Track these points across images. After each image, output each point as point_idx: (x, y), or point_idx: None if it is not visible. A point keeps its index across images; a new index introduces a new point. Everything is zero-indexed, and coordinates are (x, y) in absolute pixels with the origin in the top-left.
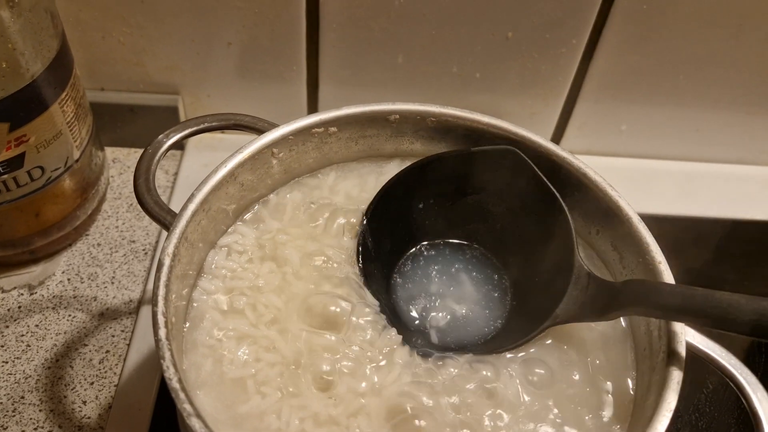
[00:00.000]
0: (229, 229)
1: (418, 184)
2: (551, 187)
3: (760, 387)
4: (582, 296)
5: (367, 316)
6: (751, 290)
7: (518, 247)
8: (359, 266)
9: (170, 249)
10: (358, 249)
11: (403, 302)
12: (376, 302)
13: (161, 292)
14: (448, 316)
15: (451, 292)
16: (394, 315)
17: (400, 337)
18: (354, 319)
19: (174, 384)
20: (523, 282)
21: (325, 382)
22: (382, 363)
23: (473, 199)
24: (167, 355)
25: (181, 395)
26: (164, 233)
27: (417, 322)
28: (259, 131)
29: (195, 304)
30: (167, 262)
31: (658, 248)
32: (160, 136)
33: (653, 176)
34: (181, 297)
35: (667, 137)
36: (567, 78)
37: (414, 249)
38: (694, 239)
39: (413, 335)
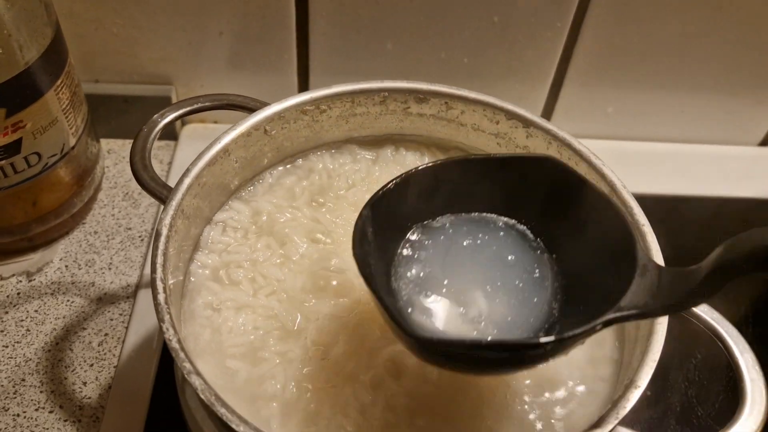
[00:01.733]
0: (224, 206)
1: (435, 186)
2: (595, 186)
3: (741, 339)
4: (651, 286)
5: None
6: None
7: (564, 237)
8: (357, 255)
9: (167, 220)
10: (355, 237)
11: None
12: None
13: (159, 260)
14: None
15: (473, 281)
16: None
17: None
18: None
19: (174, 344)
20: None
21: (323, 349)
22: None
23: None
24: (166, 317)
25: (181, 354)
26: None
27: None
28: (251, 110)
29: (192, 278)
30: (164, 231)
31: (642, 211)
32: (155, 116)
33: (640, 158)
34: (179, 270)
35: (653, 119)
36: (552, 61)
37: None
38: (681, 218)
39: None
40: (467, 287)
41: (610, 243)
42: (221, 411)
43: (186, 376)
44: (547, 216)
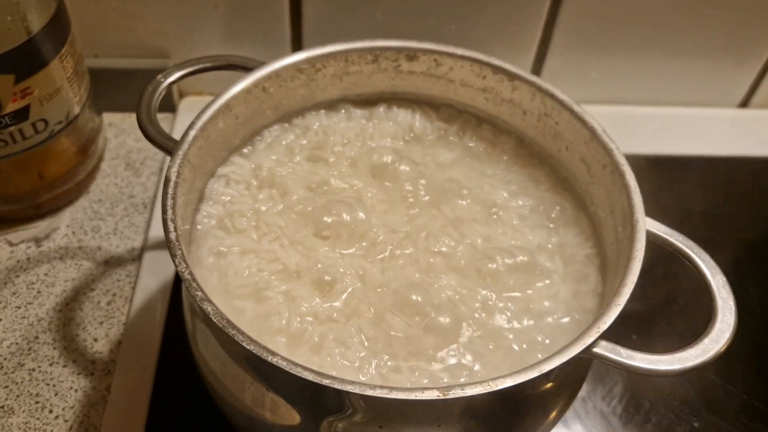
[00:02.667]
0: (227, 162)
1: None
2: None
3: (712, 263)
4: None
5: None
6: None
7: None
8: None
9: (175, 168)
10: None
11: None
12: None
13: (169, 202)
14: None
15: None
16: None
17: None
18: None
19: (187, 276)
20: None
21: (325, 285)
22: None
23: None
24: (179, 252)
25: (194, 284)
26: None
27: None
28: (251, 70)
29: (199, 227)
30: (173, 177)
31: (621, 153)
32: (159, 76)
33: (624, 121)
34: (186, 219)
35: (635, 83)
36: (537, 26)
37: None
38: (667, 178)
39: None
40: None
41: None
42: (232, 332)
43: (199, 303)
44: None
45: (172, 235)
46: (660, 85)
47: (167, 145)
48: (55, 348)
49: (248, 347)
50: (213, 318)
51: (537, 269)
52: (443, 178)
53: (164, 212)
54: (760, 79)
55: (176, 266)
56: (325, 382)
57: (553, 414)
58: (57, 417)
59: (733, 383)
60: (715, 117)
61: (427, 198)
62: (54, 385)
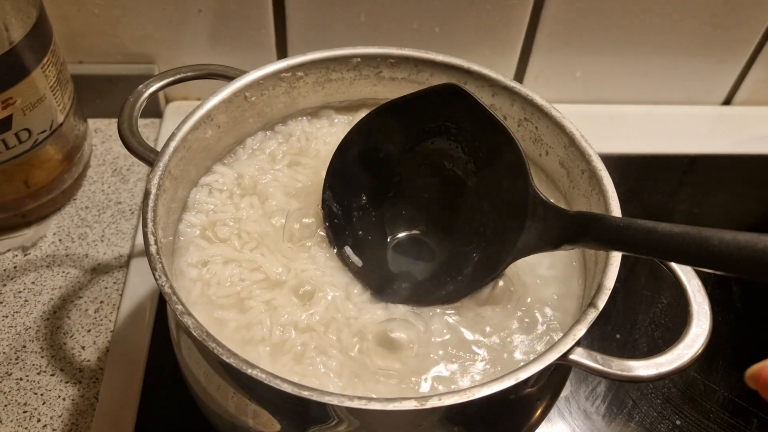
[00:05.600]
0: (209, 171)
1: (371, 139)
2: (495, 115)
3: (689, 269)
4: (540, 225)
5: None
6: (706, 217)
7: (477, 194)
8: (326, 228)
9: (155, 180)
10: (324, 211)
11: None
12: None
13: (150, 215)
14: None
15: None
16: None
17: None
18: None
19: (167, 290)
20: (483, 229)
21: (305, 295)
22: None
23: (429, 146)
24: (159, 266)
25: (174, 298)
26: None
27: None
28: (232, 79)
29: (181, 237)
30: (153, 190)
31: (599, 158)
32: (140, 87)
33: (608, 120)
34: (169, 229)
35: (619, 82)
36: (521, 28)
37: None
38: (653, 176)
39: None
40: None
41: (512, 185)
42: (212, 346)
43: (179, 317)
44: (463, 152)
45: (153, 249)
46: (643, 83)
47: (148, 157)
48: (42, 357)
49: (228, 360)
50: (193, 332)
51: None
52: None
53: (144, 225)
54: (742, 77)
55: (156, 280)
56: (304, 394)
57: (536, 415)
58: (45, 426)
59: (715, 381)
60: (699, 115)
61: None
62: (42, 394)
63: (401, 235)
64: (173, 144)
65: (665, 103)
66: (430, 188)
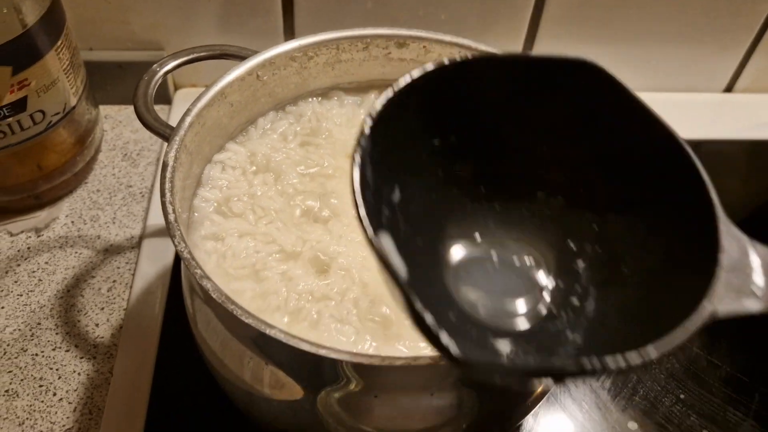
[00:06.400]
0: (222, 149)
1: (447, 99)
2: (657, 116)
3: None
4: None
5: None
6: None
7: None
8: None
9: (172, 153)
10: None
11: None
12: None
13: (167, 185)
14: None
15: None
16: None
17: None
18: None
19: (186, 255)
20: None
21: (322, 265)
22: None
23: (532, 136)
24: (178, 233)
25: (193, 263)
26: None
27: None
28: (244, 59)
29: (196, 213)
30: (171, 162)
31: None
32: (154, 66)
33: None
34: (184, 203)
35: (622, 70)
36: (525, 15)
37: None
38: None
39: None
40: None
41: (670, 201)
42: (231, 307)
43: (199, 281)
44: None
45: (171, 217)
46: (645, 71)
47: (164, 132)
48: (57, 333)
49: (247, 321)
50: (212, 294)
51: None
52: None
53: (162, 195)
54: (743, 65)
55: (176, 246)
56: (321, 352)
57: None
58: (61, 399)
59: (718, 357)
60: (701, 102)
61: None
62: (57, 369)
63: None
64: (189, 119)
65: (667, 90)
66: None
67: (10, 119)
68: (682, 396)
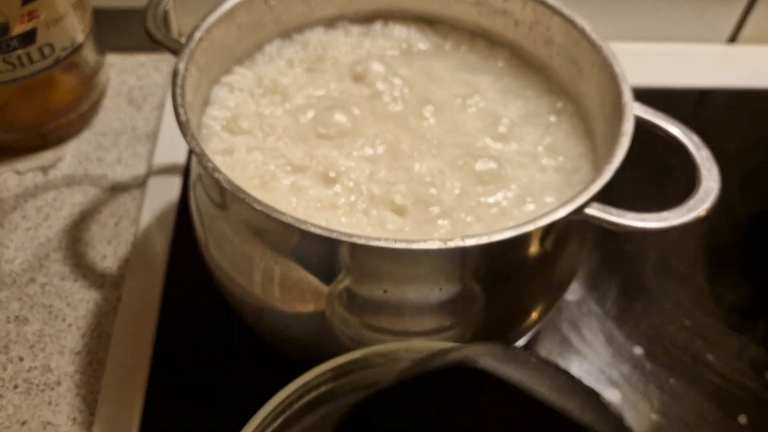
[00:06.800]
0: (230, 71)
1: None
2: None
3: (697, 140)
4: None
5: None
6: (716, 152)
7: None
8: None
9: (183, 63)
10: None
11: None
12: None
13: (178, 90)
14: None
15: None
16: None
17: None
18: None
19: (198, 150)
20: None
21: (329, 180)
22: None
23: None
24: (190, 132)
25: (205, 156)
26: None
27: None
28: None
29: (204, 130)
30: (182, 71)
31: (609, 49)
32: None
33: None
34: (193, 116)
35: (623, 20)
36: None
37: None
38: (663, 109)
39: None
40: None
41: None
42: (243, 195)
43: (210, 172)
44: None
45: (183, 118)
46: (648, 21)
47: (174, 46)
48: (65, 265)
49: (258, 207)
50: (224, 184)
51: (535, 165)
52: (440, 87)
53: (174, 100)
54: (745, 15)
55: (188, 143)
56: (333, 235)
57: (554, 281)
58: (70, 325)
59: (723, 287)
60: (705, 53)
61: (429, 107)
62: (66, 297)
63: None
64: (198, 34)
65: (671, 40)
66: None
67: (20, 51)
68: (687, 323)
